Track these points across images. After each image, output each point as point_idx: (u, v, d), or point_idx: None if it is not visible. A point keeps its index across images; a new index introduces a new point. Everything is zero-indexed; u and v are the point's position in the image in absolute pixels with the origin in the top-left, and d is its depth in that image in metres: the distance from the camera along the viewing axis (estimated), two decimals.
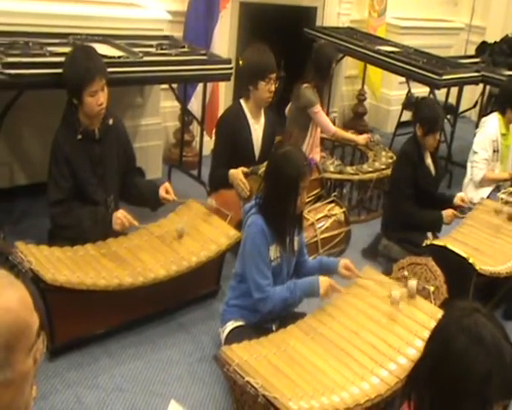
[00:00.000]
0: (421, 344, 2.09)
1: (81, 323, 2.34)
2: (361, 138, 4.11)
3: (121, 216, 2.61)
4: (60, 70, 2.69)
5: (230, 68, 3.65)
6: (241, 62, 4.68)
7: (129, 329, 2.53)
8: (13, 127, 3.26)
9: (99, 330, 2.45)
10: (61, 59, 2.74)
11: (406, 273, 2.49)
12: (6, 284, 0.98)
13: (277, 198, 2.29)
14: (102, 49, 3.16)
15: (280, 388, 1.89)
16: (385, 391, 1.96)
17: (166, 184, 2.83)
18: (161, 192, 2.79)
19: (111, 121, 2.79)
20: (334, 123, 4.36)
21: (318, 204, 3.33)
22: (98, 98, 2.60)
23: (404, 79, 4.97)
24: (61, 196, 2.63)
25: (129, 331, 2.52)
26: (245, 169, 3.13)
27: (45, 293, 2.18)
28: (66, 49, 2.97)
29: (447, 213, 3.16)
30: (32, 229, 2.76)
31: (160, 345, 2.50)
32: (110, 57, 3.05)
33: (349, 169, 3.87)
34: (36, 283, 2.16)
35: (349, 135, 4.16)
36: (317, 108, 3.81)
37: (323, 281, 2.28)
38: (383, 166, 3.92)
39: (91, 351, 2.39)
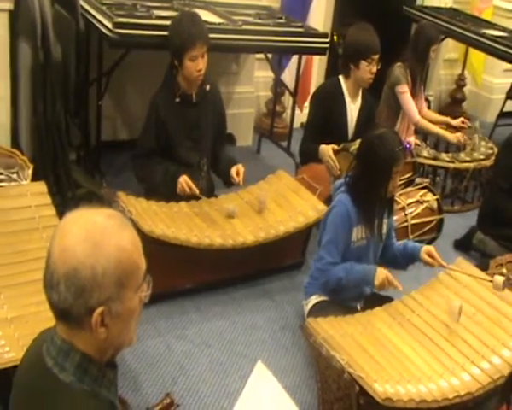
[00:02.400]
0: None
1: (173, 276, 2.40)
2: (452, 136, 3.67)
3: (182, 181, 2.60)
4: (164, 33, 2.72)
5: (326, 43, 3.58)
6: (335, 38, 4.58)
7: (217, 288, 2.58)
8: (118, 85, 3.38)
9: (189, 285, 2.52)
10: (166, 22, 2.78)
11: (505, 271, 2.34)
12: (121, 225, 1.01)
13: (368, 180, 2.22)
14: (204, 15, 3.17)
15: (365, 368, 1.85)
16: (476, 390, 1.86)
17: (239, 166, 2.75)
18: (232, 171, 2.73)
19: (208, 87, 2.80)
20: (429, 108, 4.16)
21: (410, 188, 3.21)
22: (198, 64, 2.61)
23: (510, 67, 4.65)
24: (141, 152, 2.71)
25: (217, 290, 2.58)
26: (335, 147, 3.06)
27: (142, 243, 2.25)
28: (171, 13, 3.02)
29: None
30: (131, 183, 2.85)
31: (245, 308, 2.54)
32: (210, 23, 3.06)
33: (444, 156, 3.68)
34: None
35: (436, 129, 3.74)
36: (403, 88, 3.58)
37: (380, 272, 2.17)
38: (482, 157, 3.69)
39: (181, 304, 2.47)
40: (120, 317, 0.99)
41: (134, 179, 2.81)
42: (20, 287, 1.85)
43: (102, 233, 0.97)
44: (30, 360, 1.06)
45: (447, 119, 3.89)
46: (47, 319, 1.08)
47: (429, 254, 2.29)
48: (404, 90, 3.59)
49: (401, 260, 2.40)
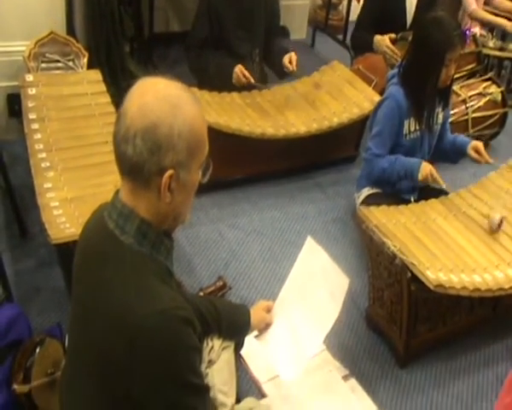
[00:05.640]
0: None
1: (224, 166, 2.31)
2: (510, 25, 3.33)
3: (238, 71, 2.51)
4: None
5: None
6: None
7: (268, 180, 2.52)
8: None
9: (240, 175, 2.47)
10: None
11: None
12: (194, 98, 1.00)
13: (420, 67, 2.01)
14: None
15: (418, 255, 1.75)
16: None
17: (292, 54, 2.61)
18: (285, 59, 2.59)
19: None
20: None
21: (473, 80, 2.93)
22: None
23: None
24: (194, 42, 2.59)
25: (268, 182, 2.51)
26: (392, 36, 2.80)
27: None
28: None
29: None
30: (183, 75, 2.70)
31: (296, 200, 2.47)
32: None
33: None
34: None
35: (492, 17, 3.39)
36: None
37: (425, 166, 2.03)
38: None
39: (233, 194, 2.43)
40: (185, 186, 0.98)
41: (186, 72, 2.70)
42: (79, 170, 1.85)
43: (179, 98, 0.96)
44: (92, 225, 1.07)
45: (502, 23, 3.44)
46: (104, 200, 1.07)
47: (476, 150, 2.12)
48: None
49: (451, 154, 2.25)
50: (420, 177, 2.03)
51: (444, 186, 2.04)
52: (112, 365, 0.94)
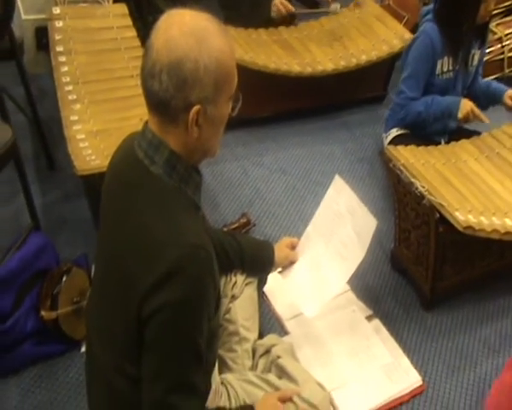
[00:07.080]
0: None
1: (250, 104, 2.10)
2: None
3: (277, 3, 2.37)
4: None
5: None
6: None
7: (294, 119, 2.40)
8: None
9: (266, 113, 2.35)
10: None
11: None
12: (221, 30, 0.94)
13: (457, 2, 1.83)
14: None
15: (447, 197, 1.64)
16: None
17: None
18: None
19: None
20: None
21: (510, 18, 2.71)
22: None
23: None
24: None
25: (294, 121, 2.40)
26: None
27: None
28: None
29: None
30: (210, 8, 2.58)
31: (322, 139, 2.36)
32: None
33: None
34: None
35: None
36: None
37: (465, 103, 1.88)
38: None
39: (258, 133, 2.33)
40: (213, 121, 0.94)
41: (213, 8, 2.54)
42: (105, 103, 1.78)
43: (205, 31, 0.91)
44: (121, 153, 1.03)
45: None
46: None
47: None
48: None
49: (482, 100, 2.08)
50: (460, 115, 1.89)
51: (487, 121, 1.89)
52: (131, 289, 0.91)
